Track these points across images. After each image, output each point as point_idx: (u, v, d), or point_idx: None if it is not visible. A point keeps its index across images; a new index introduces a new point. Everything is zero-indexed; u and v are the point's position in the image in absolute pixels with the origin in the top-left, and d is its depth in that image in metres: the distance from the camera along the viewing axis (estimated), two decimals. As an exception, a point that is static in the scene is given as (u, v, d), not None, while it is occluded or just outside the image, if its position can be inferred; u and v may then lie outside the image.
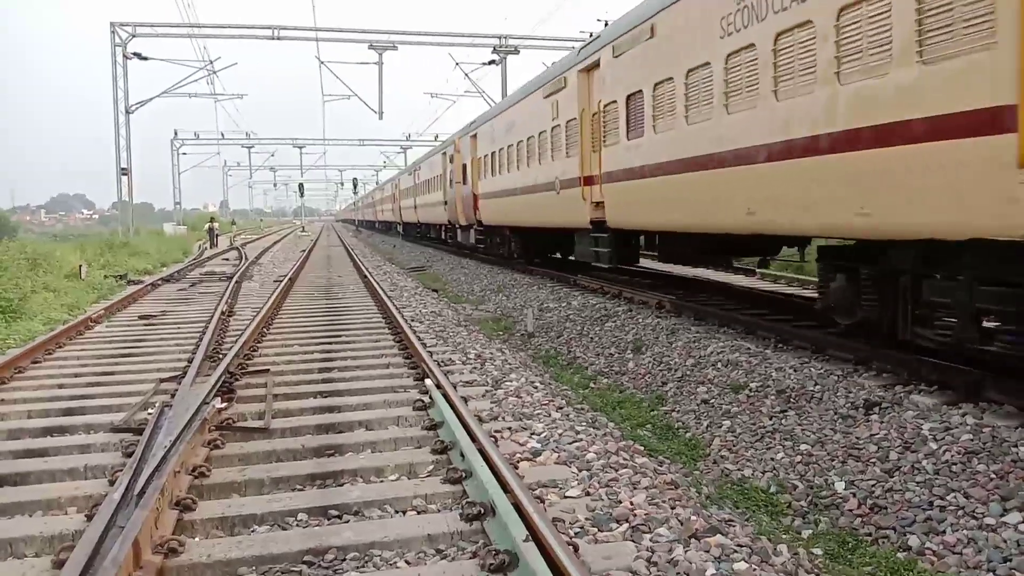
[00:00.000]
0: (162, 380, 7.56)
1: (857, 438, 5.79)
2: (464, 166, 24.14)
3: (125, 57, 33.68)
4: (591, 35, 14.21)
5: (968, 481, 4.83)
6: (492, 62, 34.41)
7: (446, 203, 27.82)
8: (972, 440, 5.20)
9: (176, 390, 6.98)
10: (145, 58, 34.37)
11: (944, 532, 4.51)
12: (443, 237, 32.40)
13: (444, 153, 28.97)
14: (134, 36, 33.62)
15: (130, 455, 5.16)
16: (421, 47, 34.66)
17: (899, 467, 5.24)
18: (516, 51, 34.11)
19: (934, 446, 5.29)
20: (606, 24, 13.56)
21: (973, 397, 5.91)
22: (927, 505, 4.77)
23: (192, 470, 4.87)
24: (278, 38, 32.28)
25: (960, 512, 4.60)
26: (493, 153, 20.29)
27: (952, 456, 5.11)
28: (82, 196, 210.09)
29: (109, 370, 8.45)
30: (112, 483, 4.69)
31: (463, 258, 26.32)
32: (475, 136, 22.93)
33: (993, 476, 4.79)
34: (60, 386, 7.71)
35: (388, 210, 54.64)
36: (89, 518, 4.16)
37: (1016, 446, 4.97)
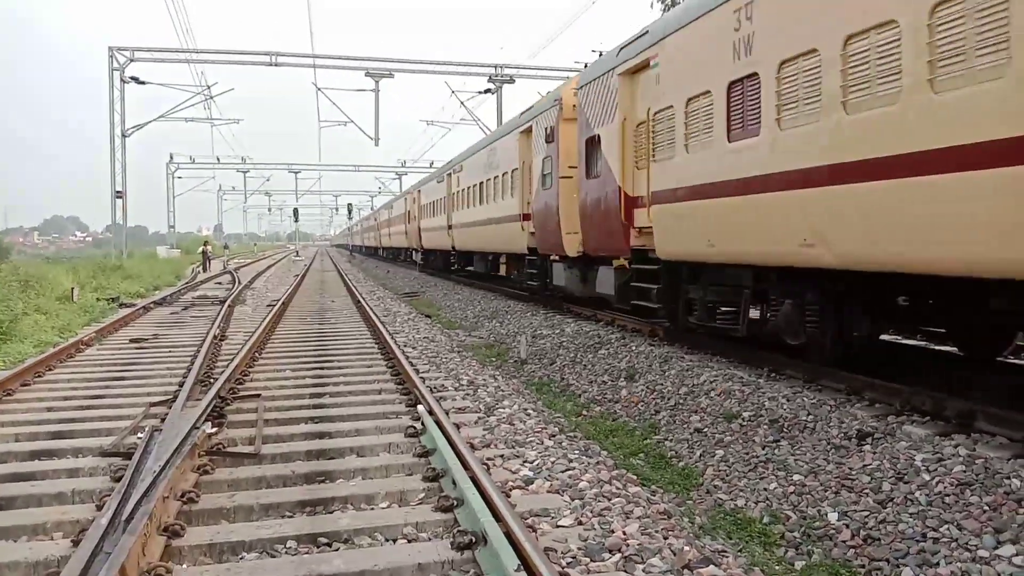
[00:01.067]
0: (152, 404, 7.50)
1: (850, 468, 5.77)
2: (592, 141, 12.40)
3: (123, 81, 33.86)
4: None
5: (961, 513, 4.82)
6: (488, 91, 34.68)
7: (525, 218, 16.82)
8: (965, 471, 5.19)
9: (166, 414, 6.93)
10: (143, 82, 34.56)
11: (938, 564, 4.49)
12: (508, 275, 20.68)
13: (526, 129, 16.80)
14: (132, 60, 33.84)
15: (119, 480, 5.11)
16: (417, 75, 34.93)
17: (892, 498, 5.22)
18: (512, 80, 34.41)
19: (927, 477, 5.28)
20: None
21: (965, 428, 5.91)
22: (920, 537, 4.75)
23: (181, 495, 4.82)
24: (275, 64, 32.53)
25: (954, 544, 4.58)
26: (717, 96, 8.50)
27: (945, 487, 5.10)
28: (76, 218, 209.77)
29: (99, 393, 8.39)
30: (100, 508, 4.64)
31: (457, 284, 26.30)
32: (649, 65, 10.23)
33: (986, 508, 4.77)
34: (49, 409, 7.66)
35: (399, 233, 43.39)
36: (75, 544, 4.11)
37: (1009, 477, 4.97)
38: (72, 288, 18.64)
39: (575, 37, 30.91)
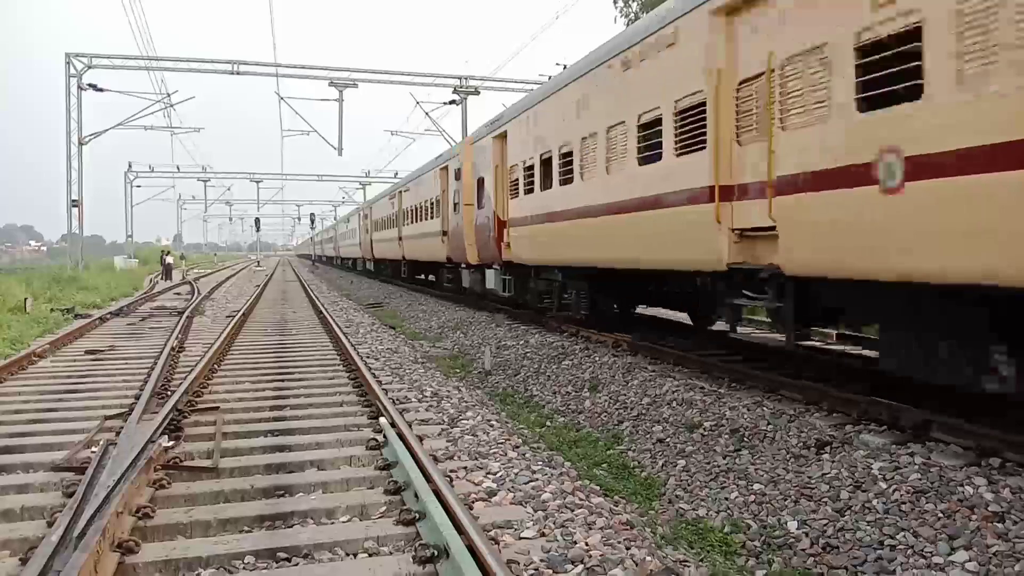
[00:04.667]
0: (107, 417, 7.33)
1: (809, 477, 5.84)
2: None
3: (80, 88, 33.25)
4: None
5: (917, 520, 4.90)
6: (453, 102, 34.72)
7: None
8: (920, 479, 5.28)
9: (122, 428, 6.77)
10: (100, 89, 33.97)
11: (895, 571, 4.56)
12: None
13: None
14: (90, 67, 33.26)
15: (71, 495, 4.98)
16: (382, 85, 34.81)
17: (850, 506, 5.30)
18: (476, 92, 34.49)
19: (884, 485, 5.37)
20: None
21: (921, 437, 6.02)
22: (878, 544, 4.82)
23: (136, 511, 4.72)
24: (238, 73, 32.21)
25: (910, 551, 4.66)
26: None
27: (901, 495, 5.19)
28: (30, 227, 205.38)
29: (52, 407, 8.19)
30: (51, 524, 4.52)
31: (422, 295, 26.20)
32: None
33: (941, 515, 4.87)
34: (-1, 423, 7.45)
35: (386, 240, 33.23)
36: (24, 562, 3.99)
37: (962, 485, 5.07)
38: (25, 299, 18.20)
39: (539, 50, 31.05)
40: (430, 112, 35.16)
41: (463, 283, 20.77)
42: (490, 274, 17.59)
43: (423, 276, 30.61)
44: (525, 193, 13.95)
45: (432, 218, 22.85)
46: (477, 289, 19.42)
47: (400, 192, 29.69)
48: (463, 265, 20.24)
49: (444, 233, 21.33)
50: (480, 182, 17.26)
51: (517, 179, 14.42)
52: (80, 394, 8.90)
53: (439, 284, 26.02)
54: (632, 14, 27.64)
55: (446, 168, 21.00)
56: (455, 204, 19.38)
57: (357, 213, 47.52)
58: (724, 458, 6.69)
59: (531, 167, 13.64)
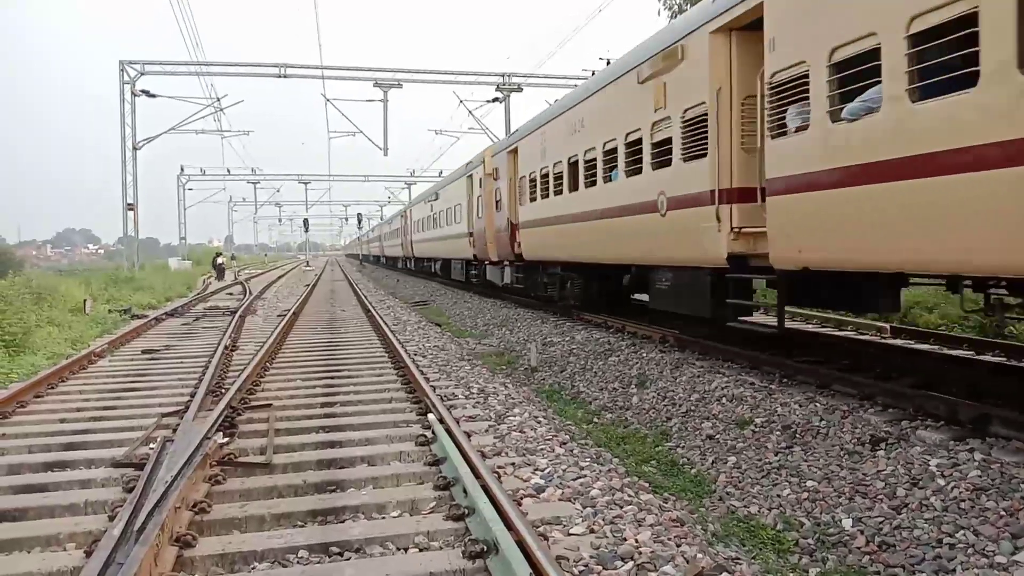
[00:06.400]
0: (164, 415, 7.52)
1: (864, 474, 5.73)
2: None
3: (133, 94, 34.12)
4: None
5: (977, 518, 4.77)
6: (496, 99, 34.77)
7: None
8: (980, 476, 5.14)
9: (178, 425, 6.96)
10: (153, 95, 34.80)
11: (954, 571, 4.44)
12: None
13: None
14: (142, 74, 34.10)
15: (131, 490, 5.13)
16: (426, 85, 35.03)
17: (907, 504, 5.18)
18: (519, 89, 34.50)
19: (942, 482, 5.23)
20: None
21: (980, 432, 5.86)
22: (936, 543, 4.70)
23: (193, 506, 4.83)
24: (285, 76, 32.70)
25: (970, 550, 4.54)
26: None
27: (960, 493, 5.05)
28: (87, 231, 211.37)
29: (111, 404, 8.43)
30: (112, 519, 4.66)
31: (467, 293, 26.31)
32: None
33: (1003, 513, 4.73)
34: (62, 420, 7.69)
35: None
36: (88, 555, 4.13)
37: (1025, 482, 4.92)
38: (84, 300, 18.76)
39: (581, 45, 30.95)
40: (473, 110, 35.28)
41: None
42: None
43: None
44: None
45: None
46: None
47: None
48: None
49: None
50: None
51: None
52: (138, 392, 9.15)
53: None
54: (676, 6, 27.33)
55: None
56: None
57: (464, 179, 24.92)
58: (776, 455, 6.59)
59: None
